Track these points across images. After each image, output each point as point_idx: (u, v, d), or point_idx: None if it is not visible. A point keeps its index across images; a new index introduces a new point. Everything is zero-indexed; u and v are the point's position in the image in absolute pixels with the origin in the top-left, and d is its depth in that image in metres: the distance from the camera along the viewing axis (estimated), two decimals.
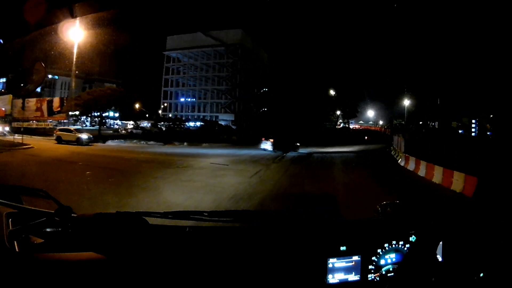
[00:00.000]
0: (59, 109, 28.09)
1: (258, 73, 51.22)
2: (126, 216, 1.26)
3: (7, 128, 21.73)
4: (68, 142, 17.49)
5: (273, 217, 1.57)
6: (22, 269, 0.98)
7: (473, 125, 43.49)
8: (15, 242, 1.07)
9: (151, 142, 20.45)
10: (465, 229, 1.31)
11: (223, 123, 44.26)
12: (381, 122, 65.21)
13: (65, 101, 28.14)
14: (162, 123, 40.73)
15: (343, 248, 1.24)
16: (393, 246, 1.28)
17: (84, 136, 18.47)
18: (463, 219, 1.46)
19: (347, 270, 1.23)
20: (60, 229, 1.18)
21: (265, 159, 14.09)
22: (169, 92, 62.82)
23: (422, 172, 11.94)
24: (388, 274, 1.25)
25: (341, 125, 50.85)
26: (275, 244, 1.23)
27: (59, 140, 18.19)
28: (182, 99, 61.10)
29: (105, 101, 24.02)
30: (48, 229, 1.18)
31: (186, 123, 41.43)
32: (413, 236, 1.31)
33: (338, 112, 47.54)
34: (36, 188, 1.42)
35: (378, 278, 1.26)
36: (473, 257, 1.18)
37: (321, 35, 49.98)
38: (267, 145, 19.34)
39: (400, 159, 16.06)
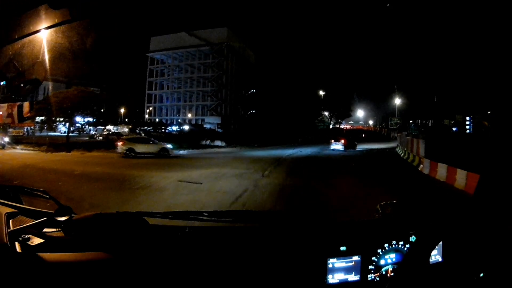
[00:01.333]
0: (29, 114, 25.81)
1: (246, 73, 49.10)
2: (126, 216, 1.27)
3: (6, 139, 19.13)
4: None
5: (273, 217, 1.57)
6: (22, 269, 1.00)
7: (468, 122, 42.94)
8: (15, 242, 1.08)
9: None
10: (465, 229, 1.31)
11: (208, 126, 41.87)
12: (371, 122, 65.79)
13: (34, 106, 25.81)
14: (144, 128, 37.98)
15: (343, 248, 1.24)
16: (393, 246, 1.28)
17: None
18: (463, 219, 1.44)
19: (347, 270, 1.23)
20: (60, 229, 1.19)
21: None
22: (153, 95, 60.25)
23: (460, 182, 9.05)
24: (388, 274, 1.25)
25: (331, 126, 49.29)
26: (275, 244, 1.23)
27: None
28: (167, 103, 58.63)
29: (69, 103, 21.23)
30: (48, 229, 1.19)
31: (169, 127, 38.72)
32: (413, 236, 1.31)
33: (326, 113, 45.89)
34: (36, 188, 1.41)
35: (378, 278, 1.26)
36: (473, 257, 1.18)
37: (310, 34, 48.22)
38: (338, 145, 23.32)
39: (420, 165, 12.86)
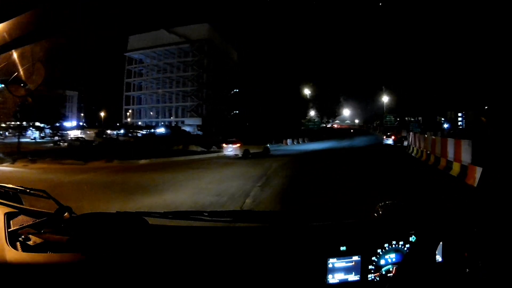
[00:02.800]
0: None
1: (228, 72, 46.33)
2: (126, 216, 1.28)
3: None
4: None
5: (273, 217, 1.58)
6: (22, 269, 1.00)
7: (460, 118, 42.22)
8: (15, 242, 1.09)
9: (69, 161, 14.33)
10: (465, 229, 1.32)
11: (187, 128, 38.81)
12: (356, 121, 66.64)
13: None
14: (116, 131, 34.54)
15: (343, 248, 1.25)
16: (393, 246, 1.29)
17: None
18: (463, 219, 1.47)
19: (347, 270, 1.24)
20: (60, 229, 1.19)
21: None
22: (131, 97, 56.84)
23: None
24: (388, 274, 1.26)
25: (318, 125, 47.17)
26: (275, 244, 1.24)
27: None
28: (146, 105, 55.25)
29: (15, 106, 17.90)
30: (48, 229, 1.20)
31: (144, 131, 35.39)
32: (413, 236, 1.31)
33: (313, 113, 43.75)
34: (36, 188, 1.39)
35: (378, 278, 1.26)
36: (473, 257, 1.19)
37: (295, 31, 45.96)
38: (389, 141, 25.26)
39: (465, 176, 8.63)
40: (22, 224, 1.19)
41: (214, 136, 32.09)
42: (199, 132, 37.00)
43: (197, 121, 43.31)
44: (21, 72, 1.40)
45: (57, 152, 17.94)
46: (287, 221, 1.51)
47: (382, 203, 1.51)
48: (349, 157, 17.21)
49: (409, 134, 18.95)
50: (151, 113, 55.58)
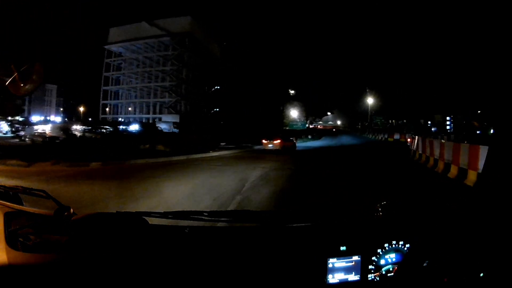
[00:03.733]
0: None
1: (209, 68, 43.98)
2: (126, 216, 1.27)
3: None
4: None
5: (273, 217, 1.55)
6: (22, 269, 1.00)
7: (448, 122, 41.76)
8: (15, 242, 1.08)
9: (13, 162, 11.63)
10: (465, 229, 1.31)
11: (163, 126, 36.25)
12: (339, 122, 68.62)
13: None
14: (84, 127, 31.68)
15: (343, 248, 1.25)
16: (393, 246, 1.29)
17: None
18: (464, 219, 1.44)
19: (347, 270, 1.24)
20: (60, 229, 1.19)
21: None
22: (109, 92, 53.73)
23: None
24: (388, 274, 1.26)
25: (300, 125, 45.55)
26: (275, 244, 1.23)
27: None
28: (123, 100, 52.28)
29: None
30: (48, 229, 1.20)
31: (109, 127, 32.45)
32: (413, 236, 1.31)
33: (295, 114, 42.11)
34: (36, 189, 1.41)
35: (378, 278, 1.26)
36: (473, 257, 1.19)
37: (281, 30, 44.07)
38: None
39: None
40: (22, 224, 1.18)
41: (193, 134, 29.73)
42: (176, 130, 34.50)
43: (175, 118, 40.82)
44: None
45: (7, 149, 15.17)
46: (287, 221, 1.48)
47: (382, 203, 1.50)
48: (359, 153, 17.61)
49: (415, 139, 15.18)
50: (130, 108, 52.70)
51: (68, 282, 0.99)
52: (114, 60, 52.86)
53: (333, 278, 1.20)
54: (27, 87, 1.47)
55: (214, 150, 17.67)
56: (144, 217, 1.24)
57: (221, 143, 21.39)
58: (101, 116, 53.90)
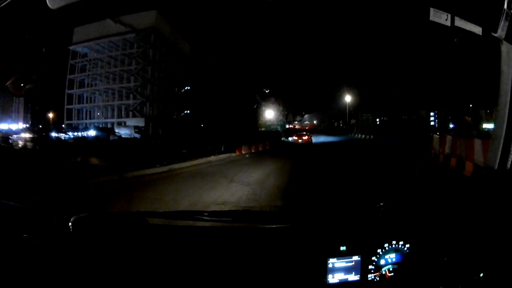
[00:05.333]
0: None
1: (179, 67, 40.56)
2: (126, 216, 1.27)
3: None
4: None
5: (273, 217, 1.54)
6: (22, 269, 1.01)
7: (432, 118, 40.63)
8: (15, 242, 1.09)
9: None
10: (465, 229, 1.29)
11: (122, 131, 32.51)
12: (315, 122, 68.70)
13: None
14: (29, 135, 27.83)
15: (343, 248, 1.24)
16: (393, 246, 1.28)
17: None
18: (464, 220, 1.42)
19: (347, 270, 1.23)
20: (59, 229, 1.18)
21: None
22: (74, 96, 49.50)
23: None
24: (388, 274, 1.25)
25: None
26: (275, 244, 1.22)
27: None
28: (87, 104, 48.13)
29: None
30: (48, 229, 1.19)
31: (73, 133, 29.09)
32: (413, 236, 1.29)
33: (272, 114, 39.29)
34: (37, 189, 1.25)
35: (378, 278, 1.26)
36: (473, 257, 1.18)
37: (253, 26, 41.09)
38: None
39: None
40: (22, 224, 1.17)
41: (157, 139, 26.20)
42: (137, 135, 30.88)
43: (141, 121, 37.10)
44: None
45: None
46: (287, 221, 1.45)
47: (382, 203, 1.49)
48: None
49: (447, 138, 11.37)
50: (98, 113, 48.71)
51: (69, 282, 0.99)
52: (79, 62, 48.98)
53: (333, 278, 1.21)
54: (27, 87, 1.46)
55: (171, 163, 13.08)
56: (144, 217, 1.22)
57: (183, 150, 17.90)
58: (66, 122, 49.97)
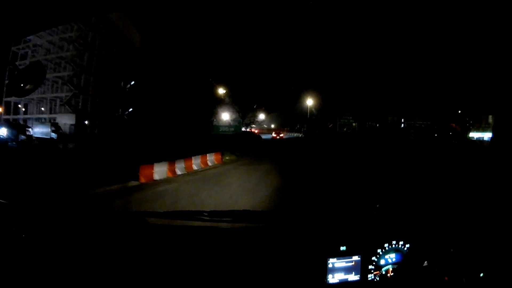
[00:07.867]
0: None
1: (125, 58, 35.25)
2: (126, 216, 1.28)
3: None
4: None
5: (273, 217, 1.52)
6: (22, 269, 1.01)
7: (403, 125, 40.04)
8: (15, 242, 1.08)
9: None
10: (465, 229, 1.27)
11: (37, 129, 26.93)
12: (272, 126, 68.12)
13: None
14: None
15: (343, 248, 1.24)
16: (393, 246, 1.27)
17: None
18: (464, 219, 1.40)
19: (347, 270, 1.23)
20: (61, 228, 1.17)
21: None
22: None
23: None
24: (388, 274, 1.24)
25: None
26: (275, 244, 1.22)
27: None
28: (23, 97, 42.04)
29: None
30: (49, 229, 1.17)
31: None
32: (413, 236, 1.27)
33: (227, 117, 34.73)
34: (38, 189, 1.26)
35: (378, 278, 1.25)
36: (473, 257, 1.17)
37: (212, 26, 36.41)
38: None
39: None
40: (23, 222, 1.15)
41: (80, 143, 21.07)
42: (54, 135, 25.42)
43: (72, 118, 31.58)
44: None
45: None
46: (287, 221, 1.43)
47: (383, 203, 1.46)
48: None
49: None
50: (42, 108, 42.69)
51: (69, 280, 0.98)
52: (21, 49, 42.92)
53: (333, 278, 1.21)
54: (27, 87, 1.44)
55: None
56: (144, 217, 1.22)
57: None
58: (3, 117, 43.79)
